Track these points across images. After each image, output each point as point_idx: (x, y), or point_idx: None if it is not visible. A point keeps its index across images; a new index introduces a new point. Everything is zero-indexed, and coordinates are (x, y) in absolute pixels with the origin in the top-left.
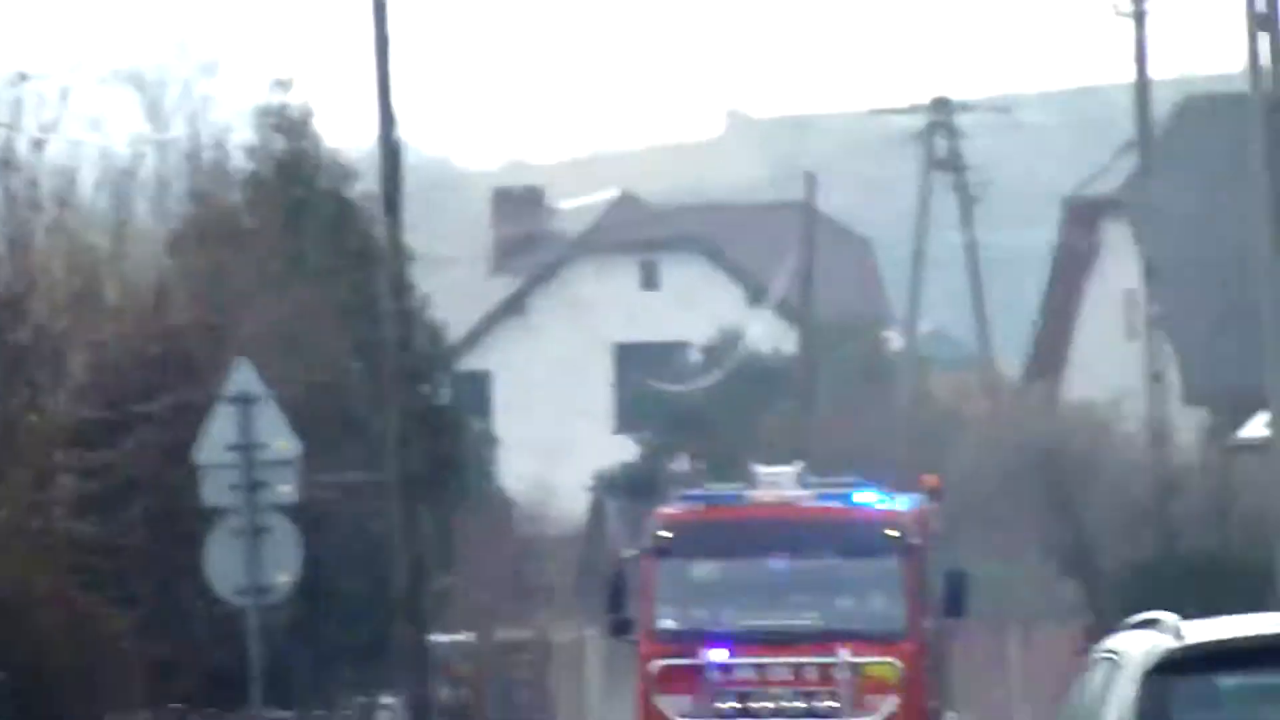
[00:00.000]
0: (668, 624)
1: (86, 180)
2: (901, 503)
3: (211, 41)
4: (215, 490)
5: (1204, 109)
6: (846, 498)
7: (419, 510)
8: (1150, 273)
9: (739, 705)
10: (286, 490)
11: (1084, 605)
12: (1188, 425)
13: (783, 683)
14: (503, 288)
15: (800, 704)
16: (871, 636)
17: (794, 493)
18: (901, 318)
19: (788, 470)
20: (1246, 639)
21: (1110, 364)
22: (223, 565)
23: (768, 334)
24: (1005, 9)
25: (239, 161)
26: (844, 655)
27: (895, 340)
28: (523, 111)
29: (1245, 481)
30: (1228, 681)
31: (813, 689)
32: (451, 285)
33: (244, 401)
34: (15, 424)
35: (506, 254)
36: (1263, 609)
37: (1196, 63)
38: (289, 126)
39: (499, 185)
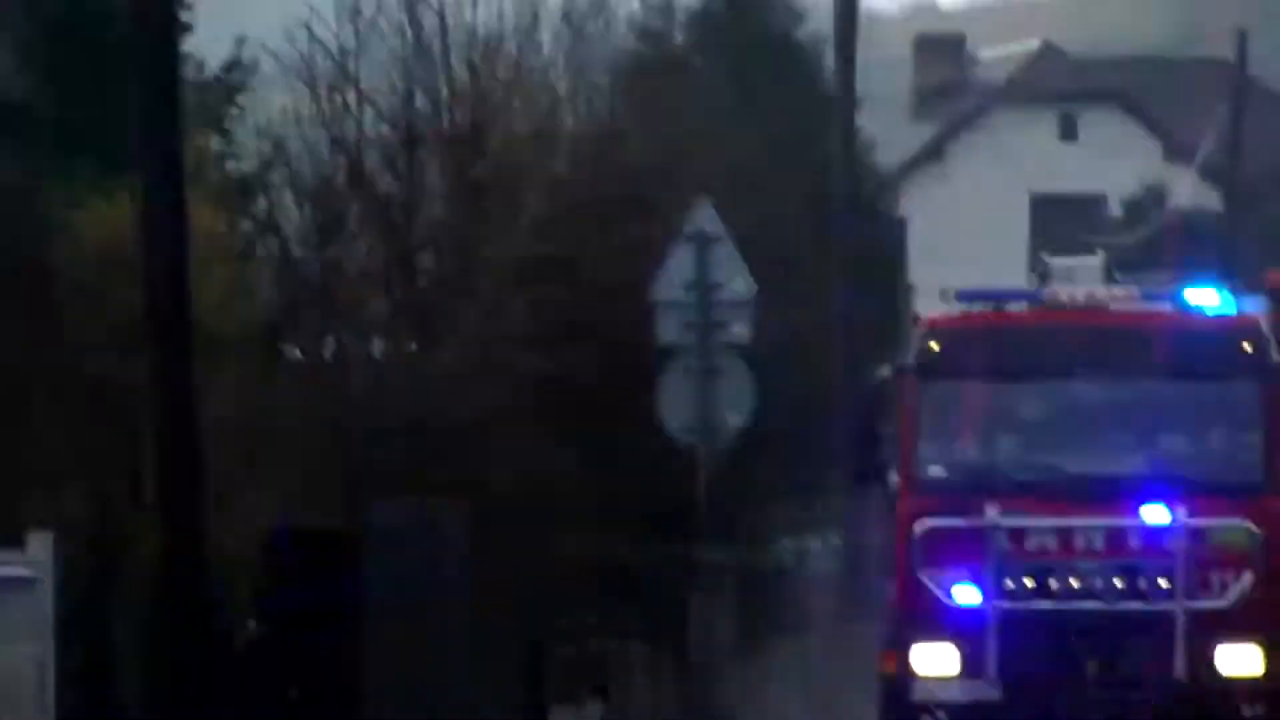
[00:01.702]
0: (935, 470)
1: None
2: (1248, 308)
3: None
4: (670, 328)
5: None
6: (1178, 298)
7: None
8: None
9: (1034, 583)
10: (741, 331)
11: None
12: None
13: (1094, 554)
14: (921, 134)
15: (1118, 583)
16: (1218, 491)
17: (1107, 291)
18: None
19: (1090, 261)
20: None
21: None
22: (675, 403)
23: (1189, 191)
24: None
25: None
26: (1180, 516)
27: None
28: None
29: None
30: None
31: (1135, 562)
32: (868, 127)
33: (702, 240)
34: (471, 258)
35: (926, 100)
36: None
37: None
38: None
39: (920, 31)
